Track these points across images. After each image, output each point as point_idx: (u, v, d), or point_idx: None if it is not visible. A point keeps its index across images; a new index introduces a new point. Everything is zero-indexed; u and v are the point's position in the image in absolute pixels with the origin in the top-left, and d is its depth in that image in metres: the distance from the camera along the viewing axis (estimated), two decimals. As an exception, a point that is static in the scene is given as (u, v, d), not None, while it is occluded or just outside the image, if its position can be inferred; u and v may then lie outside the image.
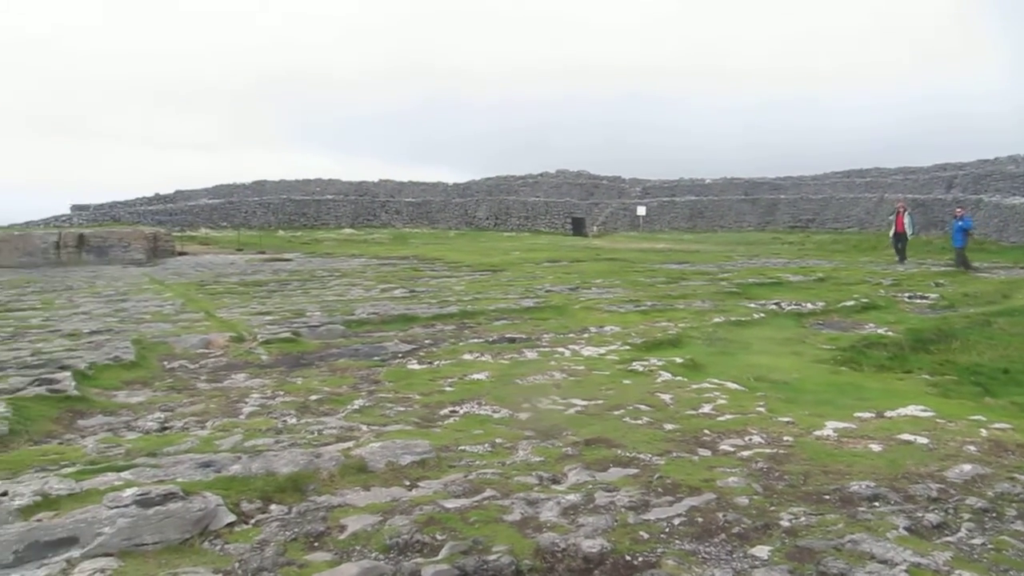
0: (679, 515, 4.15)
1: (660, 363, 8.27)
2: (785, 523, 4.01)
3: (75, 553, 3.80)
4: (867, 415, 6.25)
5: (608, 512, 4.20)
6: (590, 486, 4.62)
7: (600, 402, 6.68)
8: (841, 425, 5.86)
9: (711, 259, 24.10)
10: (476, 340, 9.91)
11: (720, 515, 4.13)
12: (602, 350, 9.09)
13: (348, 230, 47.71)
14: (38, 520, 4.01)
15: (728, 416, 6.18)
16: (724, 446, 5.40)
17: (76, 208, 53.49)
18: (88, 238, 25.55)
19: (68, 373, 7.60)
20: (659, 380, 7.53)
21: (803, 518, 4.06)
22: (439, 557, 3.70)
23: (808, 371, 8.50)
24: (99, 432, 6.07)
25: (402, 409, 6.59)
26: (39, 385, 7.14)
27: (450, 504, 4.34)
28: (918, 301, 14.12)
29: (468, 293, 14.87)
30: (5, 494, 4.22)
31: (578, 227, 49.53)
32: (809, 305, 13.18)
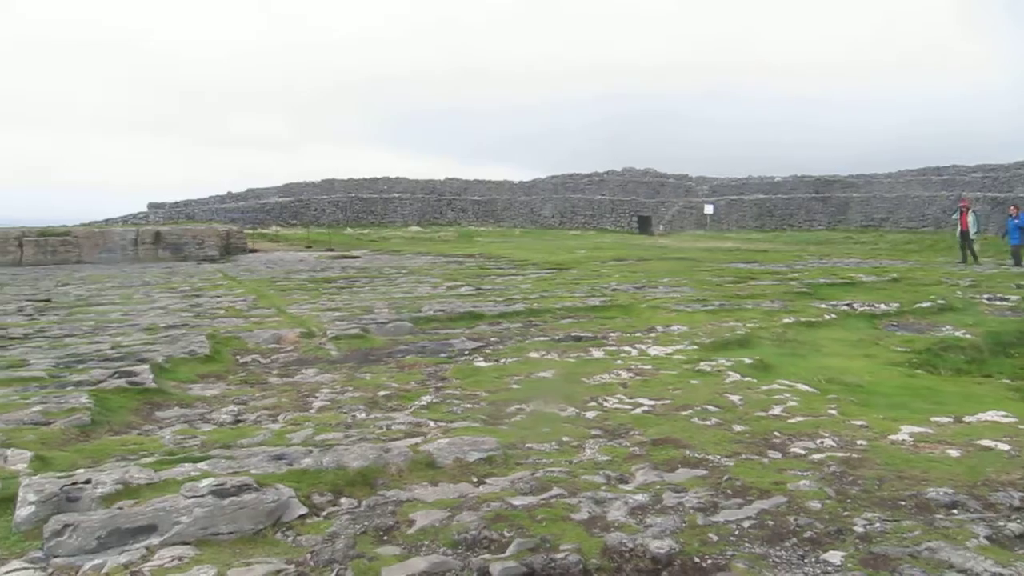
0: (749, 518, 4.10)
1: (728, 363, 8.17)
2: (859, 529, 3.93)
3: (154, 540, 3.92)
4: (944, 420, 6.08)
5: (676, 513, 4.17)
6: (658, 486, 4.58)
7: (667, 402, 6.62)
8: (917, 430, 5.71)
9: (780, 258, 23.70)
10: (542, 338, 9.91)
11: (791, 519, 4.06)
12: (669, 349, 9.02)
13: (415, 228, 48.18)
14: (119, 508, 4.15)
15: (799, 418, 6.07)
16: (795, 449, 5.31)
17: (153, 206, 55.08)
18: (164, 235, 26.26)
19: (146, 366, 7.84)
20: (727, 381, 7.44)
21: (878, 524, 3.97)
22: (507, 554, 3.72)
23: (882, 374, 8.31)
24: (176, 424, 6.24)
25: (469, 406, 6.63)
26: (119, 377, 7.38)
27: (517, 501, 4.36)
28: (998, 303, 13.66)
29: (534, 291, 14.88)
30: (89, 482, 4.36)
31: (644, 226, 49.17)
32: (883, 306, 12.86)
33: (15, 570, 3.72)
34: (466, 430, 5.70)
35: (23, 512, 4.14)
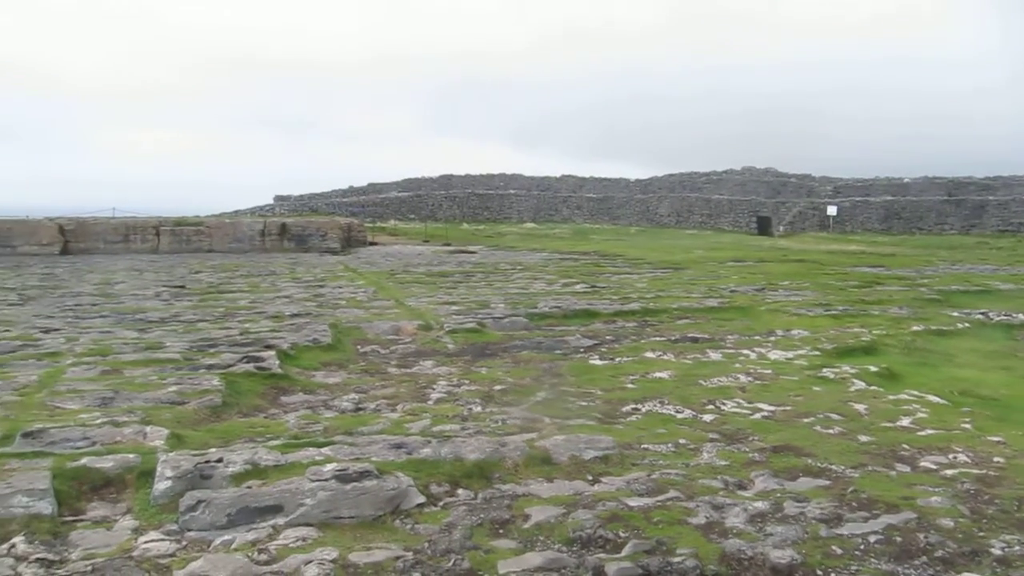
0: (875, 532, 3.94)
1: (853, 371, 7.88)
2: (996, 551, 3.72)
3: (280, 520, 4.07)
4: (1091, 439, 5.69)
5: (798, 523, 4.05)
6: (778, 494, 4.47)
7: (788, 408, 6.44)
8: (1061, 448, 5.38)
9: (909, 263, 22.70)
10: (658, 338, 9.80)
11: (921, 536, 3.89)
12: (790, 354, 8.77)
13: (530, 224, 48.39)
14: (248, 487, 4.33)
15: (929, 431, 5.81)
16: (925, 463, 5.08)
17: (279, 199, 57.11)
18: (289, 227, 27.19)
19: (273, 352, 8.14)
20: (852, 388, 7.18)
21: (1017, 547, 3.76)
22: (622, 554, 3.70)
23: (1020, 387, 7.85)
24: (300, 409, 6.46)
25: (584, 404, 6.62)
26: (247, 362, 7.69)
27: (633, 502, 4.32)
28: None
29: (650, 290, 14.73)
30: (220, 461, 4.57)
31: (763, 226, 47.91)
32: (1021, 316, 12.15)
33: (153, 540, 3.93)
34: (581, 428, 5.69)
35: (160, 486, 4.37)
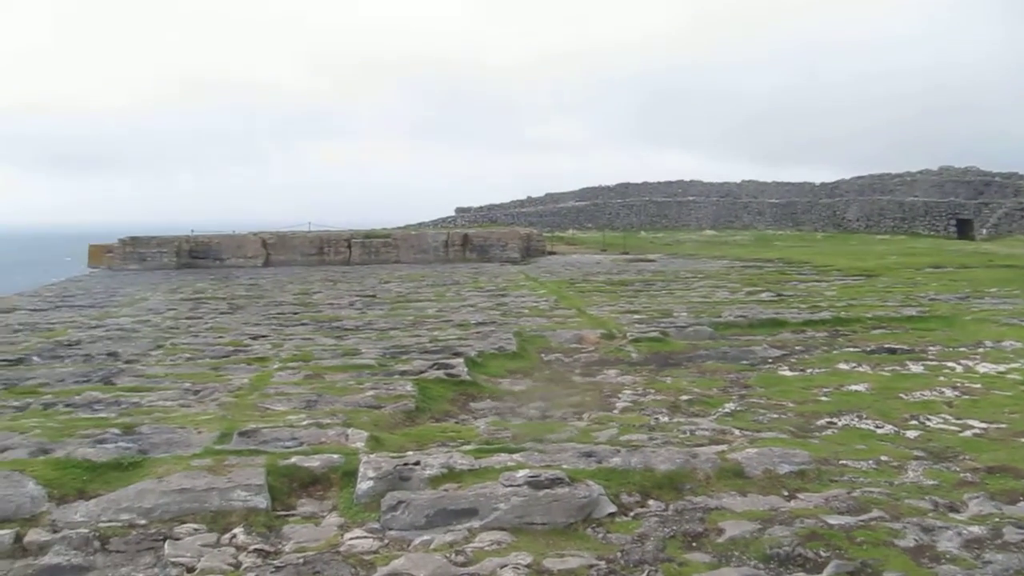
0: (1113, 565, 3.59)
1: (1078, 387, 7.21)
2: None
3: (475, 524, 4.18)
4: None
5: (1021, 551, 3.75)
6: (996, 519, 4.15)
7: (1003, 426, 5.97)
8: None
9: None
10: (851, 349, 9.34)
11: None
12: (1002, 367, 8.13)
13: (709, 232, 47.38)
14: (444, 490, 4.48)
15: None
16: None
17: (460, 210, 58.78)
18: (471, 238, 27.92)
19: (461, 359, 8.39)
20: (1077, 406, 6.57)
21: None
22: (823, 575, 3.55)
23: None
24: (488, 415, 6.62)
25: (775, 416, 6.41)
26: (437, 369, 7.96)
27: (833, 520, 4.14)
28: None
29: (840, 299, 14.06)
30: (418, 464, 4.75)
31: (964, 230, 44.70)
32: None
33: (357, 537, 4.14)
34: (774, 441, 5.51)
35: (363, 486, 4.60)
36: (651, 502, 4.48)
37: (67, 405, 6.77)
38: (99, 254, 25.79)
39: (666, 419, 6.32)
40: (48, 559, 3.98)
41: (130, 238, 25.73)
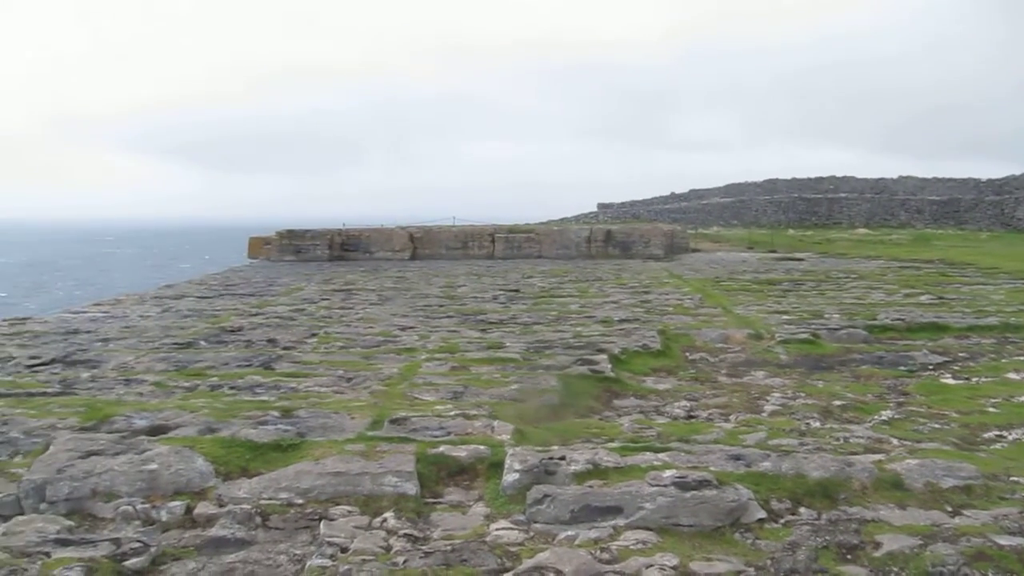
0: None
1: None
2: None
3: (620, 522, 4.16)
4: None
5: None
6: None
7: None
8: None
9: None
10: (1023, 358, 8.74)
11: None
12: None
13: (862, 230, 45.38)
14: (589, 486, 4.47)
15: None
16: None
17: (602, 206, 58.68)
18: (614, 234, 27.78)
19: (604, 356, 8.36)
20: None
21: None
22: (993, 597, 3.35)
23: None
24: (632, 413, 6.57)
25: (937, 426, 6.08)
26: (581, 365, 7.97)
27: (1003, 541, 3.88)
28: None
29: (1009, 303, 13.17)
30: (563, 459, 4.77)
31: None
32: None
33: (503, 528, 4.19)
34: (936, 452, 5.22)
35: (509, 478, 4.66)
36: (802, 510, 4.34)
37: (231, 388, 7.18)
38: (258, 246, 27.18)
39: (818, 424, 6.10)
40: (215, 531, 4.24)
41: (286, 231, 26.99)
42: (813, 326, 10.54)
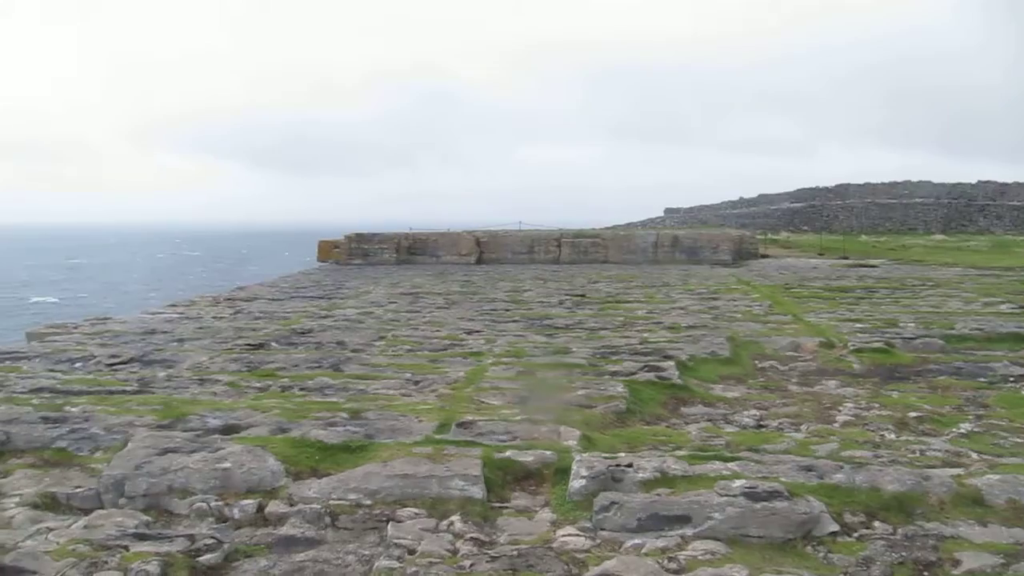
0: None
1: None
2: None
3: (687, 531, 4.11)
4: None
5: None
6: None
7: None
8: None
9: None
10: (1114, 371, 8.38)
11: None
12: None
13: (938, 236, 44.09)
14: (657, 495, 4.43)
15: None
16: None
17: (668, 211, 58.22)
18: (681, 239, 27.55)
19: (672, 363, 8.28)
20: None
21: None
22: (1082, 620, 3.21)
23: None
24: (700, 421, 6.49)
25: (1019, 440, 5.85)
26: (648, 371, 7.90)
27: (1092, 561, 3.73)
28: None
29: (1097, 314, 12.65)
30: (631, 466, 4.74)
31: None
32: None
33: (569, 535, 4.18)
34: (1019, 468, 5.02)
35: (576, 484, 4.64)
36: (877, 524, 4.23)
37: (301, 388, 7.31)
38: (327, 249, 27.64)
39: (893, 436, 5.94)
40: (285, 530, 4.32)
41: (355, 234, 27.39)
42: (887, 335, 10.27)
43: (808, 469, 4.76)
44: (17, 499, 4.72)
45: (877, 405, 6.94)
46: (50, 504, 4.69)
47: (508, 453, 5.14)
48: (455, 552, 3.97)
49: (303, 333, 10.72)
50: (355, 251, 26.80)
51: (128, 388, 7.32)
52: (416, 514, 4.46)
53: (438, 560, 3.85)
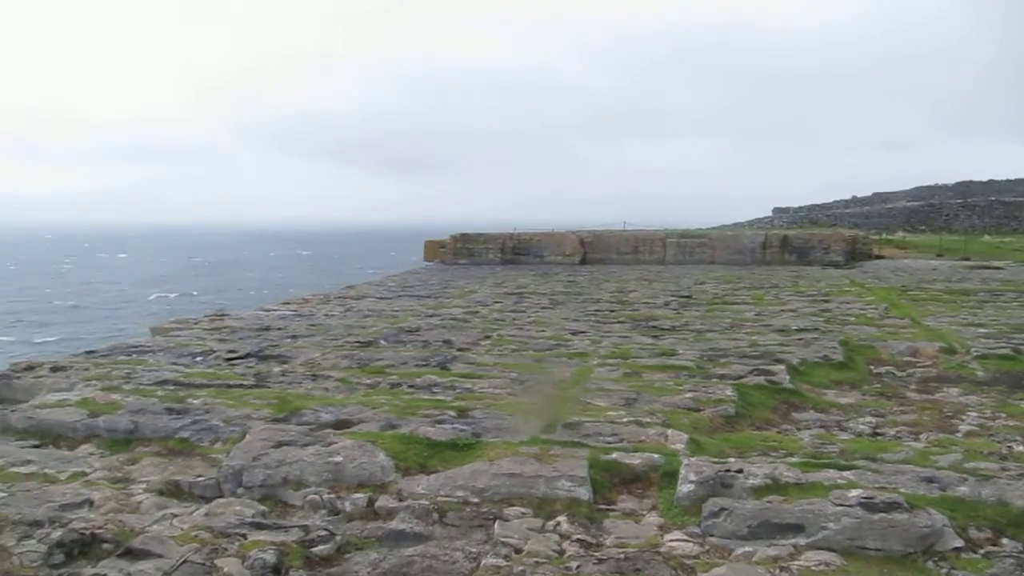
0: None
1: None
2: None
3: (800, 540, 4.00)
4: None
5: None
6: None
7: None
8: None
9: None
10: None
11: None
12: None
13: (1070, 237, 41.59)
14: (768, 502, 4.32)
15: None
16: None
17: (777, 211, 56.79)
18: (791, 239, 26.85)
19: (782, 367, 8.08)
20: None
21: None
22: None
23: None
24: (812, 427, 6.31)
25: None
26: (757, 375, 7.73)
27: None
28: None
29: None
30: (741, 471, 4.64)
31: None
32: None
33: (677, 540, 4.12)
34: None
35: (684, 489, 4.57)
36: (1005, 541, 4.01)
37: (410, 386, 7.44)
38: (433, 249, 28.08)
39: (1022, 448, 5.64)
40: (394, 524, 4.40)
41: (460, 234, 27.74)
42: (1015, 341, 9.76)
43: (929, 480, 4.57)
44: (144, 485, 4.96)
45: (1004, 415, 6.60)
46: (174, 491, 4.92)
47: (615, 455, 5.10)
48: (561, 553, 3.97)
49: (411, 331, 10.92)
50: (460, 251, 27.15)
51: (245, 382, 7.60)
52: (522, 513, 4.48)
53: (544, 560, 3.85)
